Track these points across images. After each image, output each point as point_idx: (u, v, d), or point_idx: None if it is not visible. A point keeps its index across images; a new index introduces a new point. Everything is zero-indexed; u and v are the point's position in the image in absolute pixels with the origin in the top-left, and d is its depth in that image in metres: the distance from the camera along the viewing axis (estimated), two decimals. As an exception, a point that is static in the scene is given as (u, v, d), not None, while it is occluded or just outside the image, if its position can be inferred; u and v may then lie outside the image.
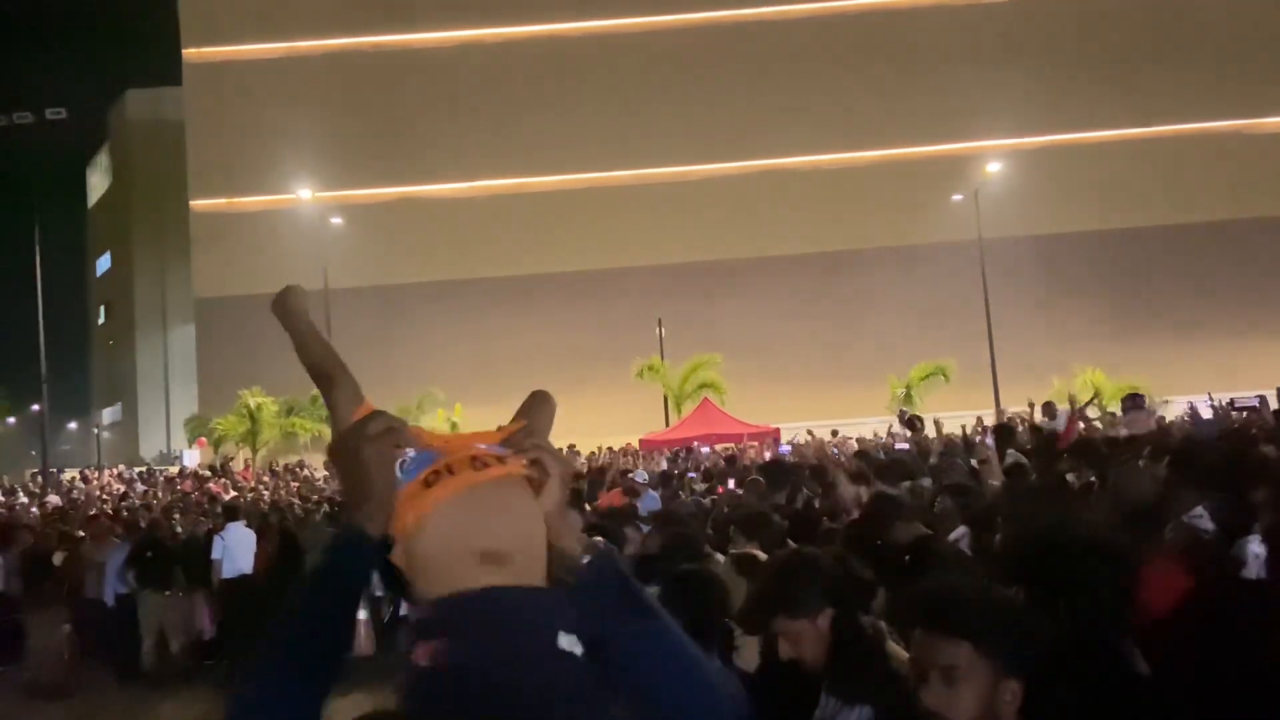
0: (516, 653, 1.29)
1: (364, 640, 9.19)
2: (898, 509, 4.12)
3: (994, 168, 36.97)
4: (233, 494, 20.03)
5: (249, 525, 12.15)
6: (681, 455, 19.63)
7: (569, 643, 1.32)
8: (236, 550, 11.62)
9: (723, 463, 15.37)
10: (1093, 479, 5.80)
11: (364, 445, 1.37)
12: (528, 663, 1.29)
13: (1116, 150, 40.94)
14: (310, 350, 1.98)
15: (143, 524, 13.18)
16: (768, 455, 18.20)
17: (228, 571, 11.45)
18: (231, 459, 32.08)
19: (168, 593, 11.47)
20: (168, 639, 11.38)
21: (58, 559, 12.06)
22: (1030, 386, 26.06)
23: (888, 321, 38.66)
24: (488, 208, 41.62)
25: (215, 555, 11.61)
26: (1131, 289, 39.75)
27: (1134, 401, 12.82)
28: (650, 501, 9.57)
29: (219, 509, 14.80)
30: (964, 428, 16.94)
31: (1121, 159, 40.58)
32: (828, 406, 32.38)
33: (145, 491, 22.30)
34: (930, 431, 14.53)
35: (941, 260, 37.94)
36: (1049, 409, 13.36)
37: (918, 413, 17.97)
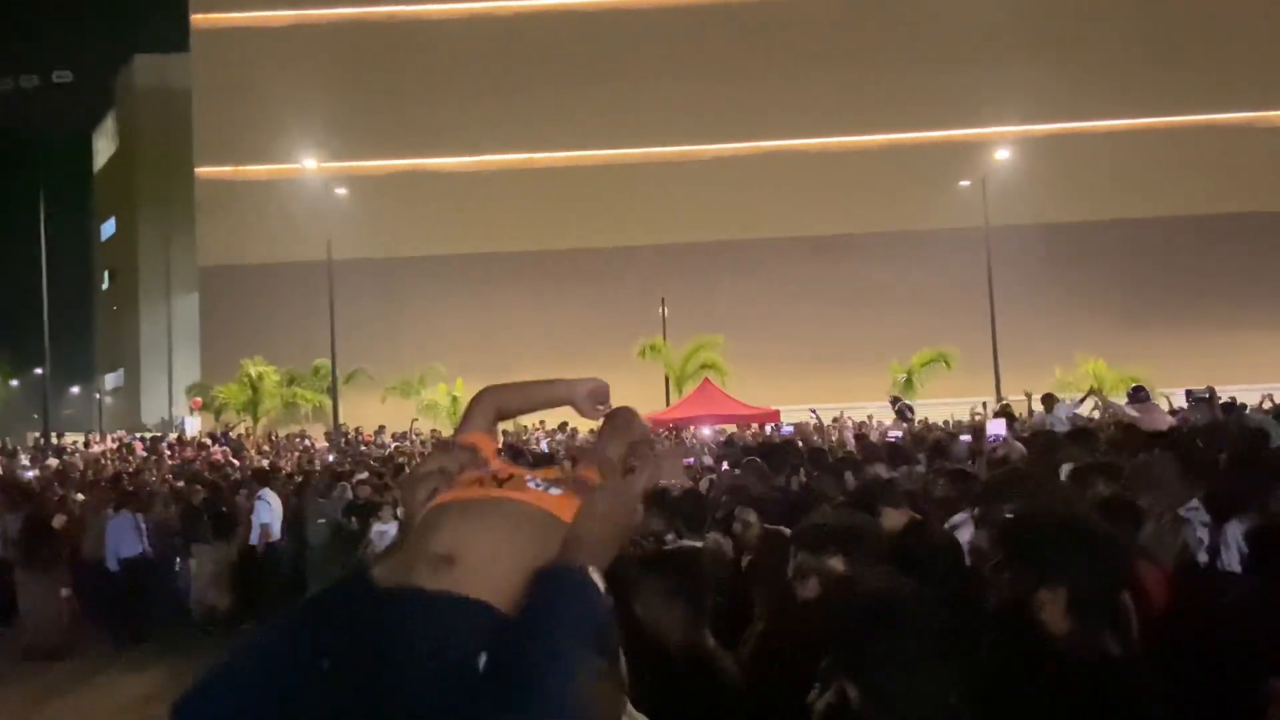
0: (385, 650, 1.25)
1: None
2: (886, 494, 4.12)
3: (1002, 155, 36.81)
4: (234, 462, 20.08)
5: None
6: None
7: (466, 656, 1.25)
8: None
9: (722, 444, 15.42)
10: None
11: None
12: (391, 663, 1.24)
13: (1125, 140, 40.73)
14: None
15: (147, 487, 13.27)
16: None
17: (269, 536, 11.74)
18: (232, 427, 32.08)
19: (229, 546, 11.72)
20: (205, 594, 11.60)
21: (57, 523, 12.12)
22: (1033, 375, 26.08)
23: (891, 306, 38.56)
24: (493, 182, 41.48)
25: (264, 519, 11.70)
26: (1137, 280, 39.61)
27: (1138, 394, 12.76)
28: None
29: (241, 475, 14.99)
30: (971, 412, 17.04)
31: (1130, 149, 40.37)
32: (828, 390, 32.35)
33: (146, 458, 22.32)
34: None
35: (946, 246, 37.78)
36: (1048, 400, 13.33)
37: (909, 401, 18.00)
